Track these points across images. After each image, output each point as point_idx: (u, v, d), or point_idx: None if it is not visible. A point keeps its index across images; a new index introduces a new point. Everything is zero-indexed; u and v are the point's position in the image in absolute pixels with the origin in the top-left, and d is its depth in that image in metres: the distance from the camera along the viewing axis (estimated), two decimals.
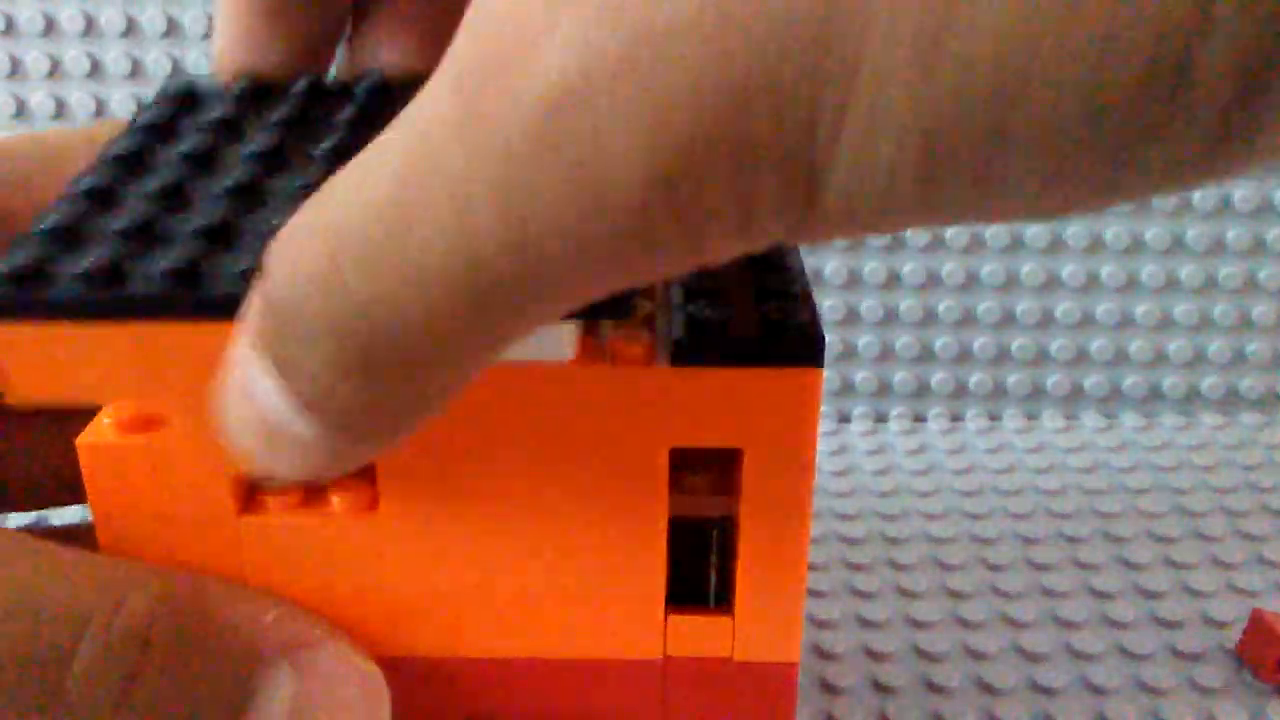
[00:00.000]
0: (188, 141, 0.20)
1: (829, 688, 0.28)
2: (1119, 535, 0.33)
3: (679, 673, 0.20)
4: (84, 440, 0.18)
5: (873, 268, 0.38)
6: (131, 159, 0.19)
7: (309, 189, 0.14)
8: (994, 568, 0.32)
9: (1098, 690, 0.27)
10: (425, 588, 0.19)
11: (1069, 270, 0.38)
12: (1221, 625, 0.29)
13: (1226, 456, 0.37)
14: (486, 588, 0.19)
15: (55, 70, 0.36)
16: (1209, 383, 0.39)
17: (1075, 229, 0.37)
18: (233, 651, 0.18)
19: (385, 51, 0.23)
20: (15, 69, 0.36)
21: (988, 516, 0.34)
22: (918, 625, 0.30)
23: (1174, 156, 0.11)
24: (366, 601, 0.19)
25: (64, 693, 0.16)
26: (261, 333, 0.14)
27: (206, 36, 0.36)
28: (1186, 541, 0.33)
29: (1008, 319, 0.38)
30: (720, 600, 0.20)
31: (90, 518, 0.19)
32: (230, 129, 0.20)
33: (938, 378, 0.39)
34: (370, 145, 0.14)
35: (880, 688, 0.28)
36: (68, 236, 0.17)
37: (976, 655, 0.29)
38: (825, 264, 0.38)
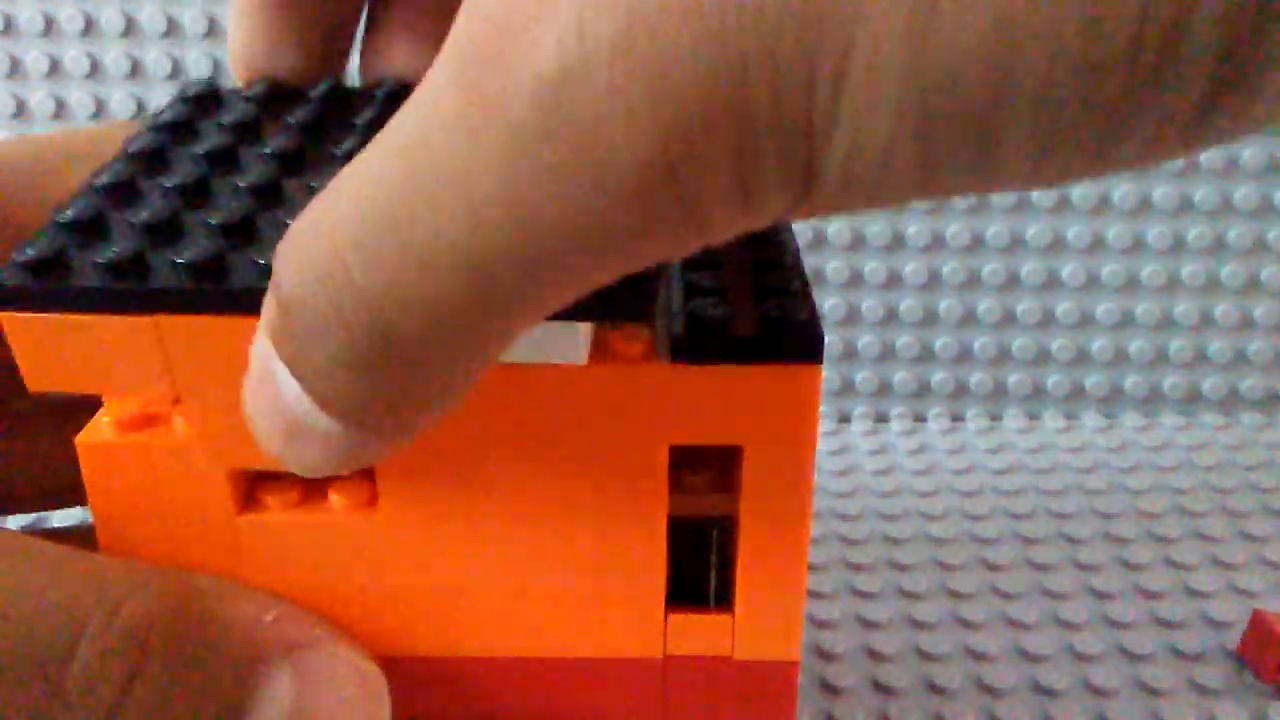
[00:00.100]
0: (208, 141, 0.20)
1: (829, 688, 0.28)
2: (1120, 536, 0.33)
3: (679, 671, 0.20)
4: (83, 439, 0.18)
5: (873, 268, 0.38)
6: (151, 156, 0.19)
7: None
8: (994, 568, 0.32)
9: (1098, 691, 0.27)
10: (424, 586, 0.19)
11: (1069, 270, 0.38)
12: (1222, 626, 0.29)
13: (1227, 457, 0.37)
14: (486, 586, 0.19)
15: (55, 70, 0.36)
16: (1210, 383, 0.39)
17: (1076, 228, 0.37)
18: (232, 652, 0.18)
19: (397, 57, 0.23)
20: (15, 69, 0.36)
21: (988, 517, 0.34)
22: (918, 626, 0.30)
23: (1168, 115, 0.11)
24: (366, 600, 0.19)
25: (64, 693, 0.16)
26: (276, 330, 0.14)
27: (206, 36, 0.36)
28: (1187, 542, 0.33)
29: (1008, 319, 0.38)
30: (720, 599, 0.20)
31: (90, 520, 0.19)
32: (250, 130, 0.21)
33: (938, 378, 0.39)
34: (373, 140, 0.14)
35: (881, 688, 0.28)
36: (88, 229, 0.18)
37: (977, 656, 0.29)
38: (825, 264, 0.38)
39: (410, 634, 0.20)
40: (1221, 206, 0.37)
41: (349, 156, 0.19)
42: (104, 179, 0.19)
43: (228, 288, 0.17)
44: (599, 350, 0.18)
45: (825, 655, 0.29)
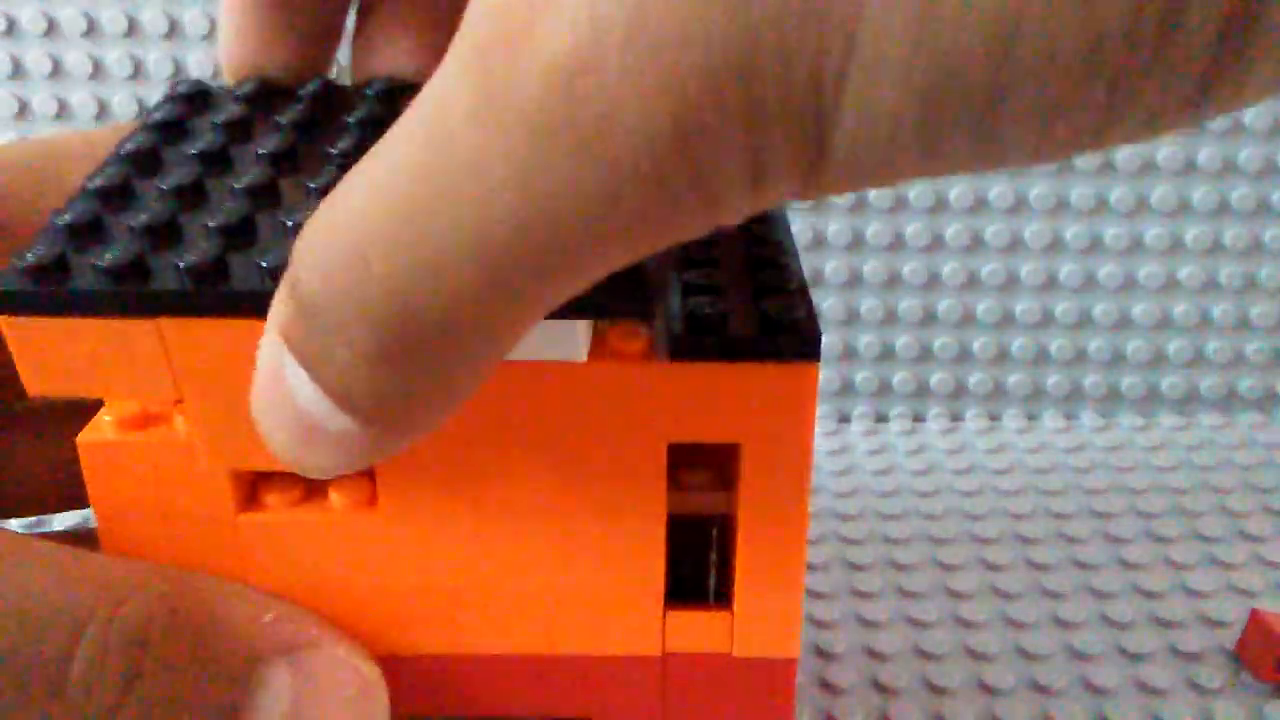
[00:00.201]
0: (200, 141, 0.20)
1: (829, 688, 0.28)
2: (1118, 535, 0.33)
3: (678, 669, 0.20)
4: (84, 438, 0.19)
5: (873, 267, 0.38)
6: (145, 157, 0.20)
7: (326, 188, 0.15)
8: (994, 568, 0.32)
9: (1097, 690, 0.27)
10: (424, 584, 0.19)
11: (1068, 270, 0.38)
12: (1221, 625, 0.29)
13: (1225, 456, 0.37)
14: (485, 584, 0.19)
15: (57, 71, 0.36)
16: (1208, 383, 0.39)
17: (1075, 229, 0.37)
18: (232, 651, 0.18)
19: (388, 53, 0.23)
20: (17, 70, 0.36)
21: (987, 516, 0.34)
22: (918, 625, 0.30)
23: (1169, 87, 0.11)
24: (366, 598, 0.20)
25: (64, 693, 0.16)
26: (291, 328, 0.14)
27: (207, 37, 0.36)
28: (1186, 541, 0.33)
29: (1008, 319, 0.38)
30: (719, 596, 0.20)
31: (91, 523, 0.19)
32: (242, 129, 0.21)
33: (938, 378, 0.39)
34: (388, 133, 0.14)
35: (880, 688, 0.28)
36: (87, 233, 0.18)
37: (976, 655, 0.29)
38: (825, 264, 0.38)
39: (410, 632, 0.20)
40: (1219, 208, 0.37)
41: (343, 155, 0.19)
42: (100, 181, 0.19)
43: (230, 289, 0.17)
44: (598, 348, 0.18)
45: (825, 655, 0.29)
